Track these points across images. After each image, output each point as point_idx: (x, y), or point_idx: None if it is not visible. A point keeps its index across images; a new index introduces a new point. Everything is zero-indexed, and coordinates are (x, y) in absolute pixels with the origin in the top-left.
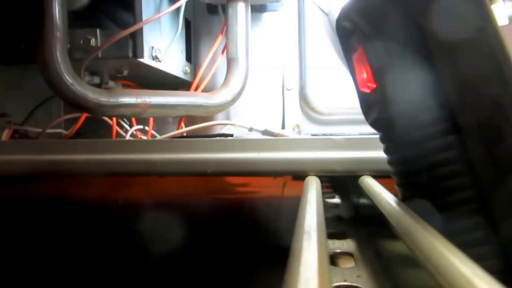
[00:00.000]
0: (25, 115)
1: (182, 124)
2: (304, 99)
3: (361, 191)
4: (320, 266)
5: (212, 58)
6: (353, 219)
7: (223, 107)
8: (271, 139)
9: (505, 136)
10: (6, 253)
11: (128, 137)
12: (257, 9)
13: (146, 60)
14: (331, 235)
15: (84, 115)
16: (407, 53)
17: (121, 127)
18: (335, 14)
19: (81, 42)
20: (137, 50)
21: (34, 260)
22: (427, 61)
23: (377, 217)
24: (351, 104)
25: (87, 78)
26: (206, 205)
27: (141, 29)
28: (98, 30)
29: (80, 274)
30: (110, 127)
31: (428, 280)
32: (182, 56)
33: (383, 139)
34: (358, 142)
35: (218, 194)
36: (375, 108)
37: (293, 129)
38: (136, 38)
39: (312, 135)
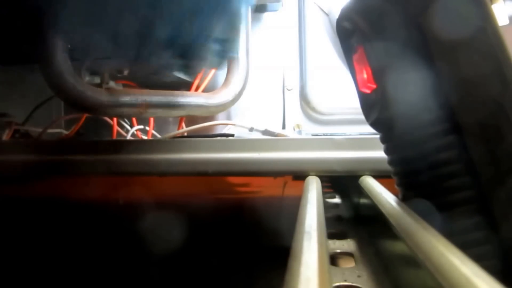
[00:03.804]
0: (25, 115)
1: (183, 124)
2: (304, 99)
3: (361, 191)
4: (320, 266)
5: None
6: (354, 219)
7: (224, 107)
8: (272, 139)
9: (505, 136)
10: (6, 252)
11: (129, 137)
12: (257, 9)
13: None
14: (331, 235)
15: (85, 115)
16: (407, 53)
17: (122, 127)
18: (336, 14)
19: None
20: None
21: (35, 260)
22: (427, 61)
23: (378, 217)
24: (352, 104)
25: (88, 78)
26: (207, 205)
27: None
28: None
29: (81, 274)
30: (110, 127)
31: (429, 280)
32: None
33: (383, 140)
34: (358, 142)
35: (219, 194)
36: (375, 108)
37: (294, 129)
38: None
39: (313, 135)
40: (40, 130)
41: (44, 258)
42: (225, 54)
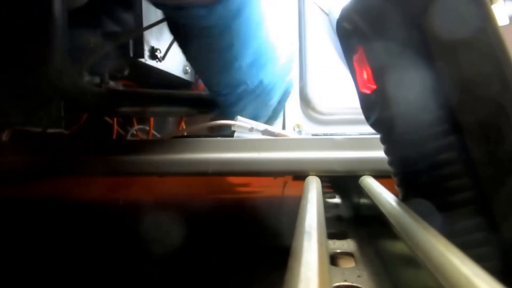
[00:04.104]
0: (25, 115)
1: (183, 124)
2: (304, 99)
3: (361, 191)
4: (320, 266)
5: None
6: (354, 219)
7: None
8: (272, 139)
9: (506, 136)
10: (6, 252)
11: (128, 137)
12: None
13: (147, 60)
14: (331, 235)
15: (85, 115)
16: (407, 53)
17: (122, 127)
18: (336, 14)
19: (82, 42)
20: (138, 50)
21: (35, 259)
22: (427, 61)
23: (378, 217)
24: (352, 104)
25: (88, 78)
26: (206, 205)
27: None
28: (98, 30)
29: (81, 273)
30: (110, 127)
31: (429, 280)
32: (183, 56)
33: (383, 140)
34: (358, 142)
35: (219, 194)
36: (375, 108)
37: (294, 129)
38: (136, 38)
39: (313, 135)
40: (40, 130)
41: (44, 257)
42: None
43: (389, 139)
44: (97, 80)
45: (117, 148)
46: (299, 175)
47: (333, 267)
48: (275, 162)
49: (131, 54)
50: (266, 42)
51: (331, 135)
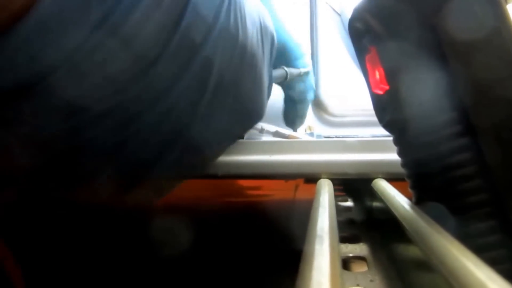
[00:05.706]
0: None
1: None
2: (316, 101)
3: (374, 194)
4: (332, 270)
5: None
6: (366, 223)
7: None
8: (283, 141)
9: None
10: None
11: None
12: None
13: None
14: (343, 239)
15: None
16: (421, 53)
17: None
18: (348, 14)
19: None
20: None
21: (36, 262)
22: (441, 61)
23: (391, 221)
24: (364, 106)
25: None
26: (216, 209)
27: None
28: None
29: (85, 278)
30: None
31: (442, 284)
32: None
33: (396, 142)
34: (371, 144)
35: (229, 197)
36: (388, 109)
37: (305, 131)
38: None
39: (325, 137)
40: None
41: (46, 260)
42: None
43: (402, 141)
44: None
45: None
46: (310, 178)
47: (345, 272)
48: (286, 164)
49: None
50: None
51: (343, 137)
